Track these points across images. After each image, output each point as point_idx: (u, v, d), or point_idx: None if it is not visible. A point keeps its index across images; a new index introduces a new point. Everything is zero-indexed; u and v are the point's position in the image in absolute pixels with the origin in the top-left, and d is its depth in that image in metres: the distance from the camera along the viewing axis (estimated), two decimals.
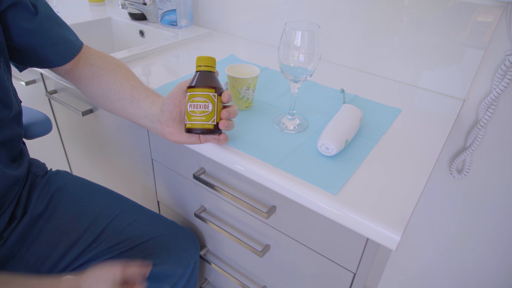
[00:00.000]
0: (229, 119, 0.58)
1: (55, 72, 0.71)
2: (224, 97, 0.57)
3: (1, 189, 0.63)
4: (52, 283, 0.54)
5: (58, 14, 0.68)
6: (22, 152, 0.72)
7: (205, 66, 0.58)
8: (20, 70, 0.70)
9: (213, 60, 0.58)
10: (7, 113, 0.61)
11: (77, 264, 0.74)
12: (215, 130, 0.57)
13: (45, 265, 0.70)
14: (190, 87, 0.57)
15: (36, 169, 0.77)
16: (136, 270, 0.58)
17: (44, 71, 0.91)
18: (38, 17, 0.62)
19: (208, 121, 0.57)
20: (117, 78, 0.67)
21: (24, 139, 0.77)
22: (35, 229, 0.70)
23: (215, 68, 0.59)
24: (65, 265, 0.73)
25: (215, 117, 0.57)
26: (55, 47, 0.65)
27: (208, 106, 0.56)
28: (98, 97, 0.69)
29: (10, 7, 0.58)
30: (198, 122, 0.56)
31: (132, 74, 0.70)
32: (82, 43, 0.71)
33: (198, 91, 0.56)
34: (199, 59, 0.58)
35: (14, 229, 0.68)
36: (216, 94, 0.57)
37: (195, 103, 0.56)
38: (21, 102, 0.69)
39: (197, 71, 0.58)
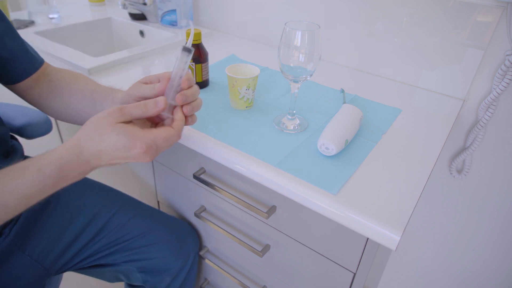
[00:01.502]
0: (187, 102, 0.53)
1: (12, 90, 0.68)
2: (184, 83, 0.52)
3: None
4: (46, 152, 0.46)
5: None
6: (15, 147, 0.73)
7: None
8: None
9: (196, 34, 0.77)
10: None
11: (80, 258, 0.76)
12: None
13: (48, 258, 0.71)
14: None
15: None
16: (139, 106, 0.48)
17: None
18: None
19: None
20: (76, 87, 0.67)
21: (19, 137, 0.77)
22: (37, 224, 0.71)
23: (199, 40, 0.78)
24: (67, 259, 0.74)
25: (194, 78, 0.78)
26: (15, 61, 0.64)
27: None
28: (62, 112, 0.68)
29: None
30: None
31: (90, 80, 0.69)
32: (42, 60, 0.69)
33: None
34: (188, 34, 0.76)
35: (16, 223, 0.68)
36: (194, 63, 0.78)
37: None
38: None
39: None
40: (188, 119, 0.53)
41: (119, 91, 0.63)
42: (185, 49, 0.49)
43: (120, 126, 0.46)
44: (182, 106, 0.51)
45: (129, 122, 0.48)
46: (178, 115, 0.50)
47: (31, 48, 0.68)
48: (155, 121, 0.55)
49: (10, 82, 0.66)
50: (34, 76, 0.67)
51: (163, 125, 0.52)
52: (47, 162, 0.45)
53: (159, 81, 0.54)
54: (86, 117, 0.64)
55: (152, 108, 0.48)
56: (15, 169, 0.45)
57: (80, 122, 0.68)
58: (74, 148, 0.46)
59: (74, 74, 0.70)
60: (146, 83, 0.55)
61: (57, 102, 0.68)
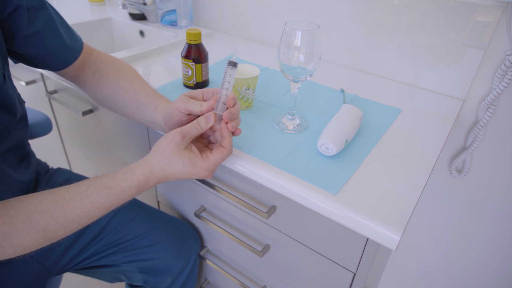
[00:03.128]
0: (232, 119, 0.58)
1: (63, 76, 0.70)
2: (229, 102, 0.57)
3: (14, 193, 0.63)
4: (125, 173, 0.54)
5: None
6: (29, 152, 0.73)
7: (189, 40, 0.77)
8: (15, 62, 0.69)
9: (195, 34, 0.76)
10: (13, 120, 0.61)
11: (81, 258, 0.76)
12: (195, 87, 0.80)
13: (49, 259, 0.71)
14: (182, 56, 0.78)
15: (39, 167, 0.78)
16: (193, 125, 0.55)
17: (44, 71, 0.91)
18: (36, 24, 0.60)
19: (189, 81, 0.80)
20: (120, 84, 0.67)
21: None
22: None
23: (199, 40, 0.77)
24: (68, 259, 0.74)
25: (194, 78, 0.80)
26: (51, 54, 0.64)
27: (188, 71, 0.79)
28: (106, 102, 0.70)
29: (11, 13, 0.57)
30: (184, 81, 0.81)
31: (135, 76, 0.69)
32: (81, 48, 0.69)
33: (183, 60, 0.78)
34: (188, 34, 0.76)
35: None
36: (194, 63, 0.77)
37: (182, 68, 0.80)
38: (24, 102, 0.69)
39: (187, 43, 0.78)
40: (234, 132, 0.58)
41: (163, 100, 0.64)
42: (230, 63, 0.54)
43: (184, 155, 0.53)
44: (227, 122, 0.56)
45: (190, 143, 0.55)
46: (225, 132, 0.55)
47: (70, 34, 0.68)
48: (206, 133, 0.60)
49: (52, 70, 0.68)
50: (76, 65, 0.68)
51: (209, 140, 0.60)
52: (128, 185, 0.53)
53: (203, 97, 0.59)
54: (129, 115, 0.68)
55: (204, 124, 0.54)
56: (100, 188, 0.52)
57: (125, 116, 0.70)
58: (150, 174, 0.54)
59: (118, 67, 0.70)
60: (192, 98, 0.58)
61: (101, 94, 0.69)
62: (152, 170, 0.54)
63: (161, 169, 0.54)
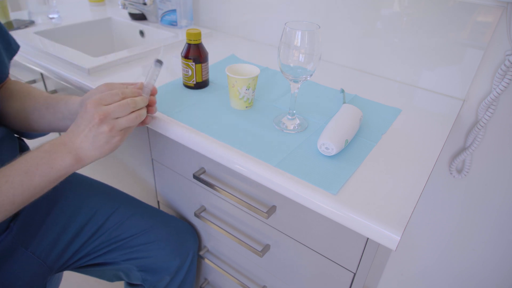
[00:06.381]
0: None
1: None
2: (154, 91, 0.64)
3: None
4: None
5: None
6: (23, 148, 0.73)
7: (189, 40, 0.77)
8: None
9: (195, 34, 0.77)
10: None
11: (80, 255, 0.77)
12: (195, 87, 0.81)
13: (51, 255, 0.72)
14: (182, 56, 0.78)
15: None
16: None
17: (43, 71, 0.91)
18: None
19: (189, 81, 0.80)
20: (30, 93, 0.69)
21: (24, 139, 0.77)
22: (39, 221, 0.71)
23: (199, 40, 0.77)
24: (68, 256, 0.75)
25: (194, 78, 0.80)
26: None
27: (188, 71, 0.79)
28: (16, 116, 0.69)
29: None
30: (184, 81, 0.82)
31: (44, 92, 0.72)
32: (8, 73, 0.70)
33: (183, 60, 0.79)
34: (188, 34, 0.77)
35: (18, 218, 0.68)
36: (194, 63, 0.78)
37: (182, 68, 0.80)
38: None
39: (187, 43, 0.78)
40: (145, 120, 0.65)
41: (76, 96, 0.66)
42: (157, 61, 0.63)
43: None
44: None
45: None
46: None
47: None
48: None
49: None
50: None
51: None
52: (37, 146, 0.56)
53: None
54: (38, 120, 0.67)
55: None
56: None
57: (31, 127, 0.69)
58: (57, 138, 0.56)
59: (30, 86, 0.73)
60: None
61: (12, 107, 0.69)
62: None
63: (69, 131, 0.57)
